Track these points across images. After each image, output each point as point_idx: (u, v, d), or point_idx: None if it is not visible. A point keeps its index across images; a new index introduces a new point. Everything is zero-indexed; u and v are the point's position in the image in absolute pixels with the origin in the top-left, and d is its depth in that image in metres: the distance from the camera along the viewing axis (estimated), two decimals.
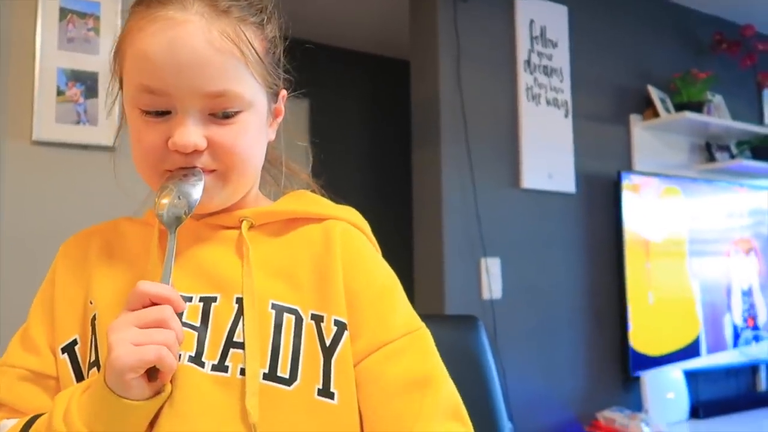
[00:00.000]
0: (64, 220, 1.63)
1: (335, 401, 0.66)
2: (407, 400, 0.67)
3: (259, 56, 0.69)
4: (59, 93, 1.67)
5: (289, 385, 0.65)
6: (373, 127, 3.85)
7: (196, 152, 0.66)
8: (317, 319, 0.68)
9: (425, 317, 0.75)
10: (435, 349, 0.72)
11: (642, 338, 2.61)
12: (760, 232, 3.16)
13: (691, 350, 2.77)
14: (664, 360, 2.67)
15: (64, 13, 1.70)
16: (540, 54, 2.59)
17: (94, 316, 0.69)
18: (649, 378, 2.58)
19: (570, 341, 2.57)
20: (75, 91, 1.69)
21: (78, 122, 1.69)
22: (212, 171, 0.69)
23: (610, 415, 2.44)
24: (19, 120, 1.64)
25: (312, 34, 3.43)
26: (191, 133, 0.65)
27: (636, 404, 2.59)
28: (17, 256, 1.59)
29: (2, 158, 1.62)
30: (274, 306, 0.68)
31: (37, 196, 1.66)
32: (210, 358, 0.65)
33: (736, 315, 2.98)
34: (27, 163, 1.65)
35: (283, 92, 0.77)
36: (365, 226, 0.78)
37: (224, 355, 0.65)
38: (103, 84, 1.68)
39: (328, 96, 3.64)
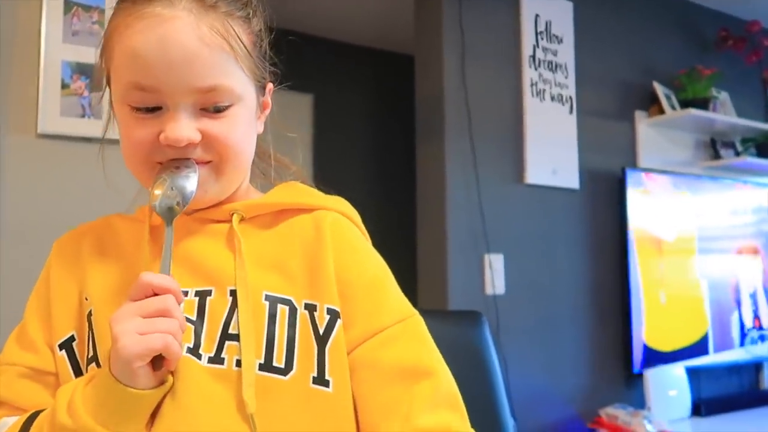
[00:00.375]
0: (68, 213, 1.63)
1: (330, 389, 0.66)
2: (402, 387, 0.67)
3: (247, 50, 0.69)
4: (64, 86, 1.68)
5: (284, 375, 0.66)
6: (376, 122, 3.84)
7: (191, 145, 0.67)
8: (310, 309, 0.69)
9: (428, 312, 0.75)
10: (429, 336, 0.73)
11: (652, 336, 2.61)
12: (763, 229, 3.15)
13: (698, 348, 2.76)
14: (671, 357, 2.66)
15: (68, 6, 1.70)
16: (545, 49, 2.58)
17: (90, 312, 0.70)
18: (651, 375, 2.58)
19: (573, 338, 2.57)
20: (80, 84, 1.69)
21: (83, 115, 1.69)
22: (207, 163, 0.69)
23: (612, 411, 2.44)
24: (23, 113, 1.65)
25: (316, 29, 3.44)
26: (184, 127, 0.66)
27: (638, 401, 2.59)
28: (21, 249, 1.60)
29: (7, 151, 1.63)
30: (267, 297, 0.68)
31: (42, 189, 1.66)
32: (206, 351, 0.65)
33: (745, 314, 2.98)
34: (32, 156, 1.66)
35: (270, 85, 0.77)
36: (355, 215, 0.78)
37: (220, 348, 0.65)
38: None
39: (332, 91, 3.64)
